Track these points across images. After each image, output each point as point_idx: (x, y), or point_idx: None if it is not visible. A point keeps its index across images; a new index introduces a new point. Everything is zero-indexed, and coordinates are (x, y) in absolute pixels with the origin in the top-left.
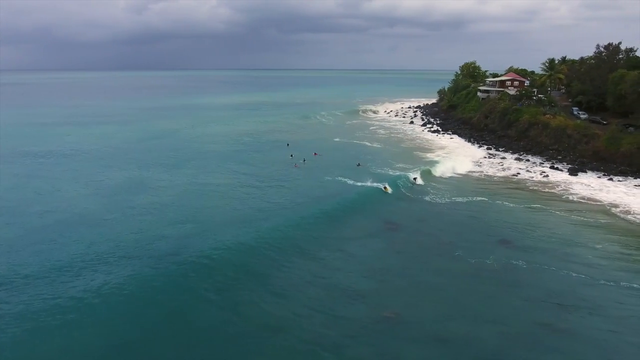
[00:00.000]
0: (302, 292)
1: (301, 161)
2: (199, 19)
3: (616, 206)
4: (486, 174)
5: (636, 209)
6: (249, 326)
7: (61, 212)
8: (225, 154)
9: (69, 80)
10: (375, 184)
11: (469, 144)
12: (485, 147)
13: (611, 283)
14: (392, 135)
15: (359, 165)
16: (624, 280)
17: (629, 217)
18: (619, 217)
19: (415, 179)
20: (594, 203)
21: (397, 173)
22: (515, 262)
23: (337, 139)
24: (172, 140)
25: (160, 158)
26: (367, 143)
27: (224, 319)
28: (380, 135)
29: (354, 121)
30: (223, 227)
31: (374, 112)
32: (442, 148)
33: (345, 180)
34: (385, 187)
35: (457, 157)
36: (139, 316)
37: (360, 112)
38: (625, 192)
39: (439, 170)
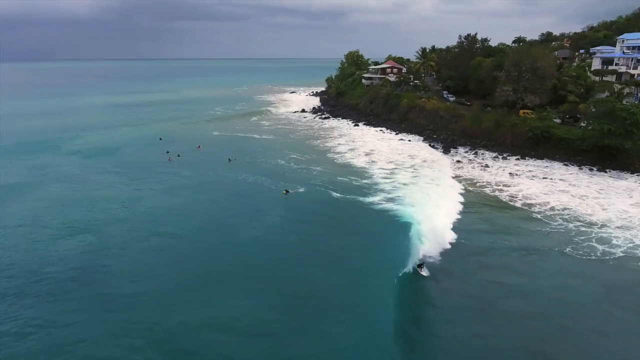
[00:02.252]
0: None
1: (176, 156)
2: (58, 3)
3: (470, 179)
4: (374, 153)
5: (485, 180)
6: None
7: None
8: (102, 158)
9: None
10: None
11: (359, 127)
12: (374, 129)
13: (466, 242)
14: (282, 125)
15: (230, 160)
16: (477, 240)
17: (477, 189)
18: (469, 190)
19: (420, 266)
20: (455, 179)
21: (281, 164)
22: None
23: (219, 133)
24: (41, 147)
25: (14, 170)
26: (254, 135)
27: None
28: (270, 126)
29: (241, 113)
30: (108, 237)
31: (263, 102)
32: (339, 135)
33: (221, 174)
34: (285, 191)
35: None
36: None
37: (247, 103)
38: (487, 164)
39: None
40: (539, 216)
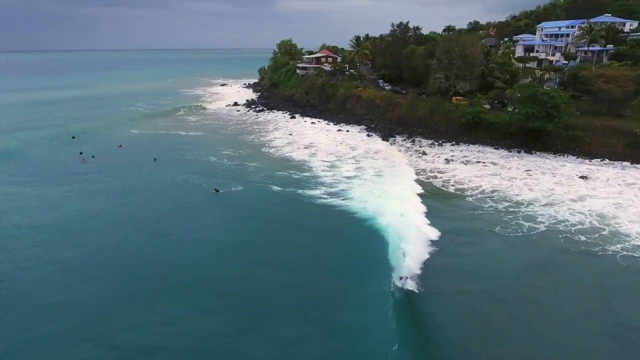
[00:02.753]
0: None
1: (90, 157)
2: None
3: (419, 167)
4: (312, 146)
5: (419, 167)
6: None
7: None
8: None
9: None
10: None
11: (295, 120)
12: (311, 120)
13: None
14: (213, 120)
15: (155, 159)
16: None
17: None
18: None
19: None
20: (401, 166)
21: (213, 161)
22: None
23: (142, 131)
24: None
25: None
26: (181, 132)
27: None
28: (199, 122)
29: (167, 108)
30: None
31: (191, 96)
32: (276, 129)
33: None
34: (215, 190)
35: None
36: None
37: (174, 97)
38: (424, 151)
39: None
40: (470, 199)
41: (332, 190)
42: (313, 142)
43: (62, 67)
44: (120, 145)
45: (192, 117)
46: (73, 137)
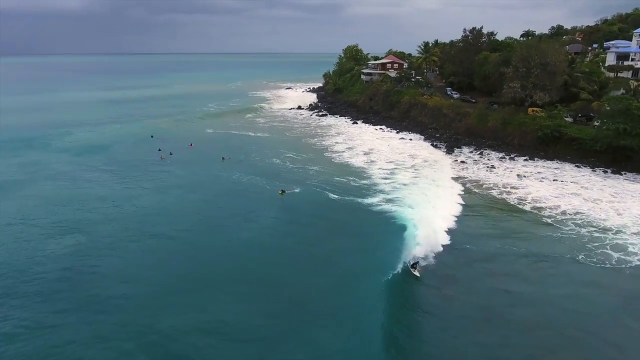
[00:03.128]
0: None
1: (169, 154)
2: None
3: (476, 181)
4: (372, 153)
5: (492, 182)
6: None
7: None
8: (84, 158)
9: None
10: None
11: (358, 125)
12: (373, 128)
13: (471, 247)
14: (278, 122)
15: (223, 159)
16: (483, 245)
17: (484, 191)
18: (474, 192)
19: (414, 266)
20: (465, 180)
21: (277, 163)
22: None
23: (213, 130)
24: (15, 146)
25: (3, 167)
26: (250, 133)
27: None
28: (265, 124)
29: (235, 109)
30: (96, 237)
31: (259, 98)
32: (336, 134)
33: (218, 173)
34: (281, 191)
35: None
36: None
37: (242, 99)
38: (493, 165)
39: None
40: (549, 220)
41: (387, 197)
42: (373, 149)
43: (144, 68)
44: (191, 144)
45: (259, 119)
46: (152, 136)
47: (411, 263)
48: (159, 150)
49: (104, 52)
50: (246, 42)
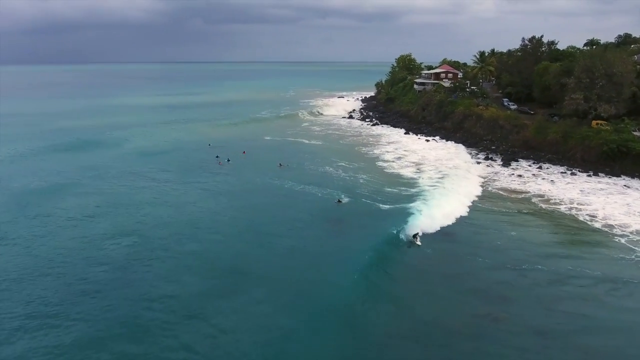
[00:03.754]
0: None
1: (226, 160)
2: (114, 6)
3: (541, 196)
4: (423, 164)
5: (559, 197)
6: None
7: None
8: (145, 161)
9: None
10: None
11: (408, 136)
12: (424, 139)
13: (542, 267)
14: (330, 131)
15: (280, 165)
16: (545, 264)
17: (554, 206)
18: (544, 206)
19: (415, 236)
20: (522, 194)
21: (338, 174)
22: (445, 254)
23: (268, 137)
24: (88, 147)
25: (72, 168)
26: (304, 140)
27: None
28: (318, 132)
29: (289, 117)
30: (155, 240)
31: (311, 106)
32: (386, 143)
33: (271, 180)
34: (338, 200)
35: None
36: None
37: (295, 107)
38: (552, 180)
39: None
40: (622, 240)
41: (443, 212)
42: (424, 160)
43: (202, 76)
44: (244, 152)
45: (312, 127)
46: (209, 145)
47: (413, 234)
48: (217, 157)
49: (165, 61)
50: (300, 51)
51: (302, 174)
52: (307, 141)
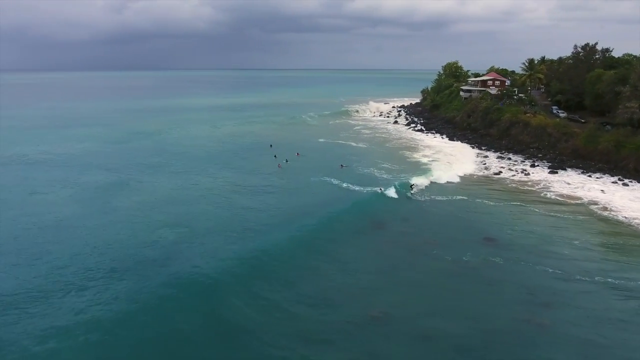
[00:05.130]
0: (290, 293)
1: (284, 161)
2: (181, 18)
3: (595, 203)
4: (469, 172)
5: (613, 205)
6: (234, 329)
7: (39, 218)
8: (210, 157)
9: (46, 80)
10: (360, 187)
11: (453, 142)
12: (469, 145)
13: (587, 278)
14: (377, 135)
15: (342, 166)
16: (599, 275)
17: (606, 213)
18: (597, 213)
19: (412, 186)
20: (573, 201)
21: (384, 175)
22: (494, 260)
23: (321, 140)
24: (154, 143)
25: (142, 162)
26: (352, 143)
27: (213, 325)
28: (365, 135)
29: (339, 121)
30: (211, 234)
31: (359, 111)
32: (428, 147)
33: (330, 180)
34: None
35: (452, 162)
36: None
37: (345, 112)
38: (602, 190)
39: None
40: None
41: (488, 215)
42: (468, 167)
43: (259, 82)
44: (298, 154)
45: (361, 130)
46: (270, 146)
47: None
48: (275, 157)
49: (226, 67)
50: (351, 59)
51: (358, 174)
52: (355, 144)
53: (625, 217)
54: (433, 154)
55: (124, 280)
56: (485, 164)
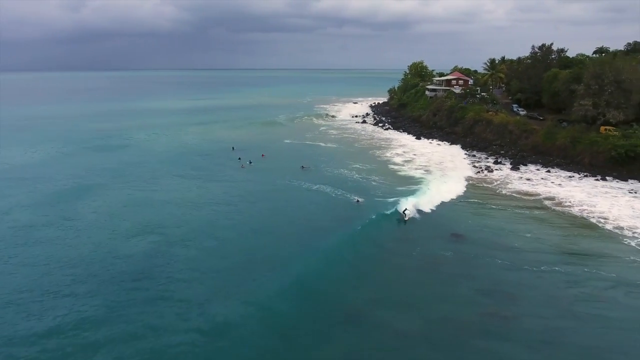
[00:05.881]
0: (262, 291)
1: (247, 162)
2: (142, 16)
3: (551, 199)
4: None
5: (569, 199)
6: (201, 329)
7: None
8: (171, 162)
9: None
10: (323, 186)
11: (420, 141)
12: (436, 142)
13: (544, 268)
14: (345, 135)
15: (303, 167)
16: (557, 265)
17: (561, 208)
18: (552, 209)
19: (405, 211)
20: (532, 197)
21: (355, 175)
22: (462, 255)
23: (287, 141)
24: (113, 149)
25: (100, 168)
26: (320, 143)
27: (192, 335)
28: (333, 135)
29: (306, 121)
30: (178, 238)
31: (326, 111)
32: (399, 146)
33: (292, 182)
34: (357, 200)
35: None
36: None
37: (312, 112)
38: (560, 184)
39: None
40: (632, 243)
41: (452, 212)
42: (434, 163)
43: (224, 82)
44: (263, 155)
45: (329, 130)
46: (233, 148)
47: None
48: (239, 159)
49: (190, 68)
50: (317, 59)
51: (321, 175)
52: (323, 144)
53: (579, 210)
54: (402, 152)
55: (86, 288)
56: (453, 161)
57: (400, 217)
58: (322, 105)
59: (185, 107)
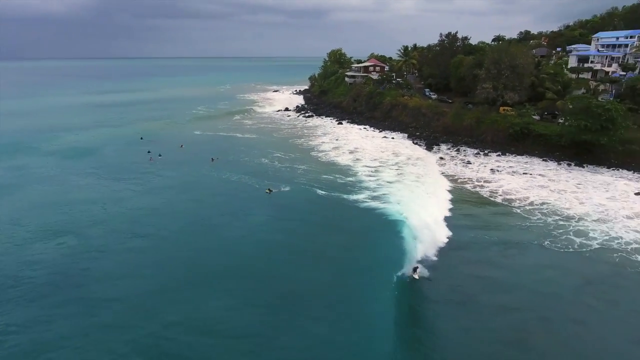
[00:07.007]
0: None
1: (157, 155)
2: (32, 1)
3: (464, 177)
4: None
5: (476, 176)
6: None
7: None
8: (73, 161)
9: None
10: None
11: (341, 125)
12: (357, 127)
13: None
14: (266, 124)
15: (213, 160)
16: (458, 235)
17: (459, 185)
18: (468, 188)
19: (415, 269)
20: (454, 177)
21: (277, 164)
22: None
23: (198, 132)
24: (13, 149)
25: None
26: (237, 134)
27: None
28: (253, 125)
29: (224, 111)
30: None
31: (245, 100)
32: (325, 134)
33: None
34: (269, 190)
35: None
36: None
37: (229, 102)
38: (469, 161)
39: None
40: (518, 211)
41: (374, 194)
42: (358, 148)
43: (131, 72)
44: (182, 146)
45: (247, 121)
46: (141, 138)
47: (413, 267)
48: (149, 152)
49: (90, 57)
50: (232, 46)
51: (236, 167)
52: (241, 135)
53: (475, 187)
54: (329, 140)
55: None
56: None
57: (409, 276)
58: (241, 94)
59: (89, 101)
